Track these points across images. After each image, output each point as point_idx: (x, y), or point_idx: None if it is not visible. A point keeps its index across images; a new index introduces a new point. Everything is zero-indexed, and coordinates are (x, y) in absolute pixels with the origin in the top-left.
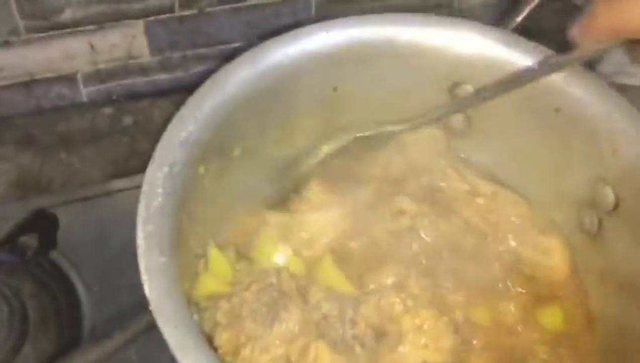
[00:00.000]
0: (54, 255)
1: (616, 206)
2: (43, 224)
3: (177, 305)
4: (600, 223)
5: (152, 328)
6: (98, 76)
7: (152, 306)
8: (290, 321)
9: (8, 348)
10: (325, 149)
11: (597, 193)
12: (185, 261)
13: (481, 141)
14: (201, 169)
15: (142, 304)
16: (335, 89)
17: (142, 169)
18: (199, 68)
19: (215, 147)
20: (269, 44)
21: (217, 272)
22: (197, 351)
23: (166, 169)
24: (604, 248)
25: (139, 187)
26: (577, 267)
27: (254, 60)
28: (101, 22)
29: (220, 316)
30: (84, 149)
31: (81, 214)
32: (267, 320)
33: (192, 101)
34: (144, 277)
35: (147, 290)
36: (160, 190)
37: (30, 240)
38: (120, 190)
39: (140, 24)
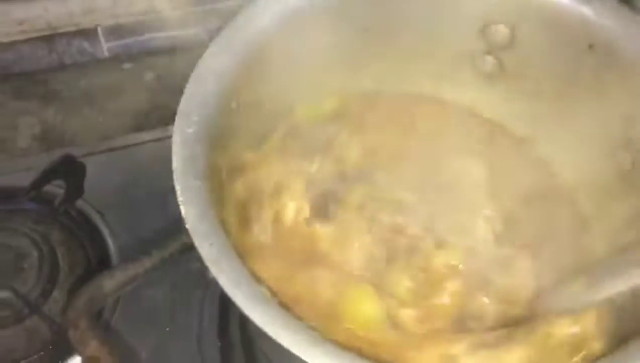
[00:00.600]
0: (81, 203)
1: None
2: (70, 170)
3: (211, 225)
4: (633, 161)
5: (185, 250)
6: (119, 31)
7: (189, 225)
8: None
9: (38, 291)
10: None
11: (632, 132)
12: (217, 186)
13: (513, 85)
14: (234, 104)
15: None
16: (366, 29)
17: (163, 122)
18: (218, 24)
19: (247, 83)
20: None
21: None
22: (230, 267)
23: (199, 98)
24: (636, 185)
25: (161, 139)
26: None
27: None
28: None
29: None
30: (106, 104)
31: (106, 165)
32: None
33: (226, 33)
34: (180, 199)
35: (184, 211)
36: (195, 118)
37: (57, 189)
38: (144, 142)
39: None
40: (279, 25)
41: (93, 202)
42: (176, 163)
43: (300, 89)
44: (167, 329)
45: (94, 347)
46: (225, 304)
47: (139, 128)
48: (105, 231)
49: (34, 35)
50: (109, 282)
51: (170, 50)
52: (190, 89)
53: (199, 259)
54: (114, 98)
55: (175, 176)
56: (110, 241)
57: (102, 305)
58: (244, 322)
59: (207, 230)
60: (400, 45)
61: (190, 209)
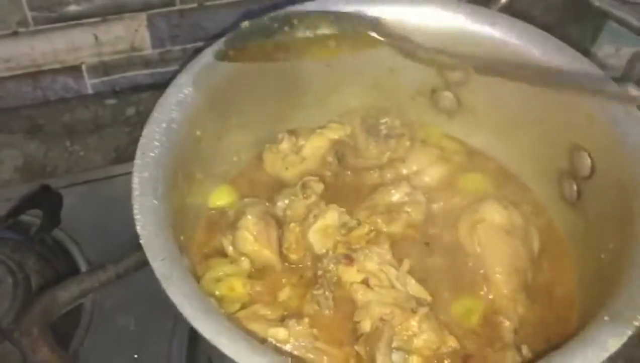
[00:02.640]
0: (58, 233)
1: (592, 171)
2: (47, 200)
3: (165, 241)
4: (579, 190)
5: (141, 266)
6: (102, 68)
7: (143, 241)
8: None
9: (11, 317)
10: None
11: (575, 161)
12: (178, 209)
13: (470, 119)
14: (198, 132)
15: None
16: (328, 65)
17: None
18: None
19: (212, 112)
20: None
21: None
22: (181, 281)
23: (164, 125)
24: (584, 213)
25: None
26: (560, 235)
27: None
28: (105, 15)
29: None
30: (88, 138)
31: (84, 196)
32: None
33: (191, 66)
34: (137, 216)
35: (139, 228)
36: (157, 143)
37: (34, 219)
38: (122, 174)
39: (142, 16)
40: None
41: (70, 232)
42: (135, 183)
43: (265, 121)
44: (136, 356)
45: (44, 353)
46: (195, 334)
47: (118, 161)
48: (80, 261)
49: (20, 72)
50: (64, 294)
51: (151, 86)
52: (155, 116)
53: None
54: (96, 132)
55: (133, 195)
56: (83, 269)
57: (57, 315)
58: (212, 352)
59: (160, 245)
60: (363, 81)
61: (146, 226)
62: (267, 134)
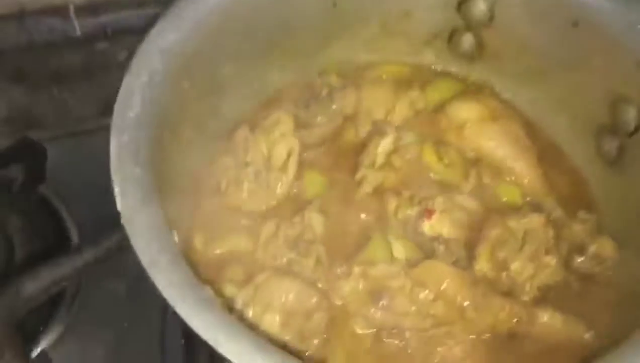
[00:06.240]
0: (43, 189)
1: (638, 127)
2: (30, 154)
3: (152, 219)
4: (620, 148)
5: (125, 246)
6: (91, 9)
7: (124, 220)
8: None
9: None
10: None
11: (618, 115)
12: (166, 177)
13: (493, 64)
14: (185, 84)
15: None
16: (334, 4)
17: None
18: None
19: (201, 61)
20: None
21: None
22: (170, 267)
23: (145, 78)
24: (624, 174)
25: None
26: (595, 197)
27: None
28: None
29: None
30: (77, 85)
31: (72, 149)
32: None
33: (173, 10)
34: (116, 189)
35: (120, 205)
36: (137, 99)
37: (16, 173)
38: None
39: None
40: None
41: (57, 188)
42: (113, 151)
43: (261, 69)
44: (126, 325)
45: (7, 359)
46: None
47: (110, 111)
48: (68, 220)
49: (2, 12)
50: (31, 285)
51: (145, 29)
52: (133, 68)
53: None
54: (85, 79)
55: (112, 166)
56: (72, 230)
57: (23, 312)
58: None
59: (145, 225)
60: (370, 22)
61: (128, 202)
62: (264, 85)
